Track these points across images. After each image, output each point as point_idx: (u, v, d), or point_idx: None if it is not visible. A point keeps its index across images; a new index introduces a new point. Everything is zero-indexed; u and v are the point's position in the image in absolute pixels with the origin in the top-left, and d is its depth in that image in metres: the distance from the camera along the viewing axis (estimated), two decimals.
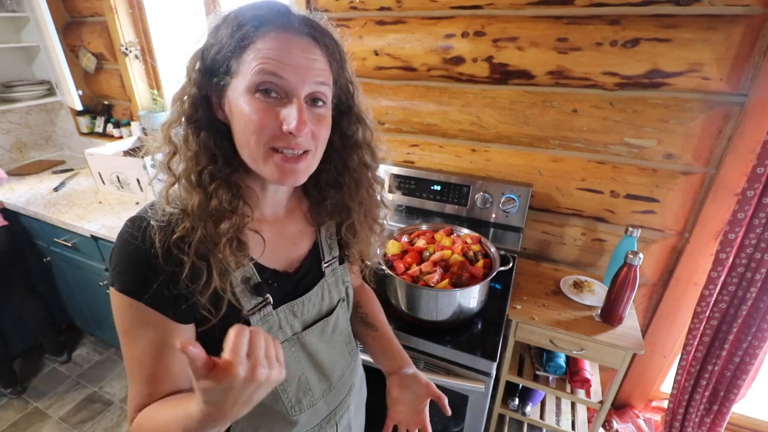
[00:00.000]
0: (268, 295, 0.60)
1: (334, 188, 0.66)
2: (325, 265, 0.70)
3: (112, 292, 0.52)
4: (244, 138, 0.51)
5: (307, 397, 0.67)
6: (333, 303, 0.71)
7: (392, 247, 1.13)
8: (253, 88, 0.48)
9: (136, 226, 0.51)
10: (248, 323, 0.57)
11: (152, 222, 0.51)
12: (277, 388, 0.62)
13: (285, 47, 0.48)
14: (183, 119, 0.51)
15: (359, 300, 0.87)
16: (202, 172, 0.51)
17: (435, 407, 0.74)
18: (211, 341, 0.50)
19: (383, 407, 0.77)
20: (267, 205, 0.62)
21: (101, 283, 1.69)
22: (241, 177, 0.56)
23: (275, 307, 0.61)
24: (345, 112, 0.62)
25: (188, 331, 0.54)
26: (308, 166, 0.55)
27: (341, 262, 0.74)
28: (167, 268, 0.50)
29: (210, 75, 0.51)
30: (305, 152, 0.53)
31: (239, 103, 0.49)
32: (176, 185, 0.52)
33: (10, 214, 1.82)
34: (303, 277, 0.66)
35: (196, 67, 0.51)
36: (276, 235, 0.63)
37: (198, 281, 0.51)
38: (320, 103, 0.53)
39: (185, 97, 0.51)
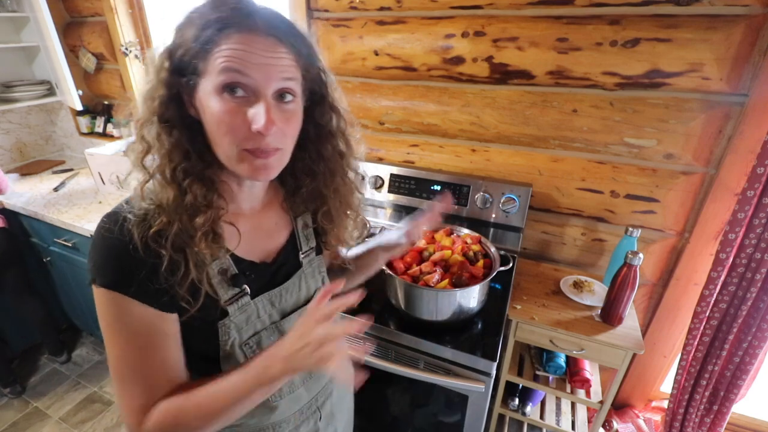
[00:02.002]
0: (245, 285, 0.61)
1: (309, 176, 0.67)
2: (303, 255, 0.72)
3: (96, 289, 0.52)
4: (217, 138, 0.52)
5: (287, 383, 0.68)
6: (310, 292, 0.73)
7: None
8: (220, 87, 0.49)
9: (113, 221, 0.52)
10: (226, 313, 0.59)
11: (129, 216, 0.51)
12: None
13: (249, 47, 0.48)
14: (155, 117, 0.51)
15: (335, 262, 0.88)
16: (176, 168, 0.52)
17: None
18: (190, 331, 0.57)
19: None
20: (243, 199, 0.63)
21: None
22: (216, 172, 0.56)
23: (253, 297, 0.62)
24: (318, 102, 0.62)
25: (174, 320, 0.55)
26: (280, 161, 0.56)
27: (319, 253, 0.76)
28: (147, 260, 0.51)
29: (179, 74, 0.51)
30: (277, 149, 0.54)
31: (209, 103, 0.50)
32: (151, 181, 0.53)
33: (9, 214, 1.82)
34: (280, 267, 0.68)
35: (165, 66, 0.50)
36: (253, 228, 0.65)
37: (177, 273, 0.52)
38: (289, 98, 0.53)
39: (156, 96, 0.51)
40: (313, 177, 0.67)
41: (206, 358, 0.60)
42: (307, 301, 0.72)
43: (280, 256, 0.68)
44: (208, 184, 0.54)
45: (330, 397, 0.79)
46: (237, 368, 0.54)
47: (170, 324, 0.55)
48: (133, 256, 0.50)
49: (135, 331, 0.52)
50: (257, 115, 0.49)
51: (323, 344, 0.48)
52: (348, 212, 0.74)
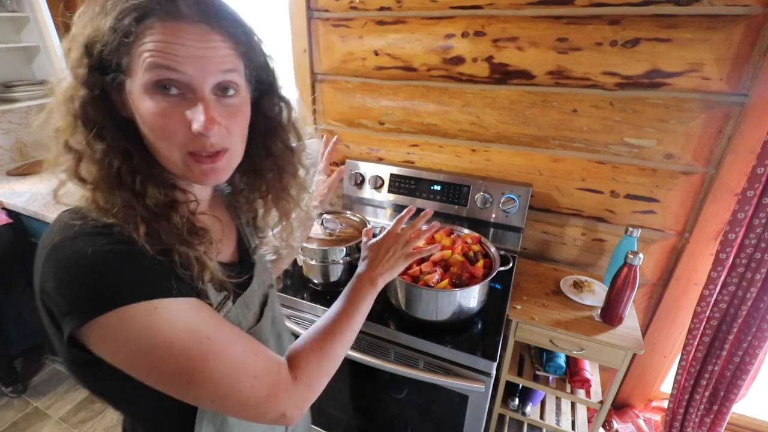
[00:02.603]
0: (230, 290, 0.56)
1: (255, 175, 0.62)
2: (252, 252, 0.68)
3: (141, 310, 0.41)
4: (155, 143, 0.46)
5: None
6: (266, 289, 0.69)
7: None
8: (149, 86, 0.43)
9: (86, 234, 0.43)
10: None
11: (111, 227, 0.44)
12: None
13: (176, 38, 0.42)
14: (78, 122, 0.43)
15: None
16: (119, 171, 0.45)
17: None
18: None
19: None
20: (198, 195, 0.55)
21: None
22: (163, 170, 0.49)
23: (234, 302, 0.58)
24: (266, 92, 0.56)
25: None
26: (229, 163, 0.51)
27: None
28: (157, 261, 0.45)
29: (101, 72, 0.43)
30: (223, 149, 0.48)
31: (140, 105, 0.44)
32: (96, 191, 0.45)
33: (11, 214, 1.82)
34: (243, 267, 0.63)
35: (83, 62, 0.43)
36: (219, 224, 0.60)
37: (192, 268, 0.47)
38: (231, 92, 0.47)
39: (75, 97, 0.43)
40: (259, 175, 0.62)
41: None
42: (265, 300, 0.67)
43: (239, 254, 0.64)
44: (162, 180, 0.48)
45: None
46: (346, 296, 0.65)
47: (207, 305, 0.49)
48: (145, 259, 0.44)
49: (197, 324, 0.45)
50: (195, 114, 0.44)
51: (405, 246, 0.72)
52: (298, 212, 0.68)
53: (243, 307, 0.60)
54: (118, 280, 0.41)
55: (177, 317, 0.43)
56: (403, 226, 0.78)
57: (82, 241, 0.42)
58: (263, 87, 0.55)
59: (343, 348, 0.60)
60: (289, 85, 0.62)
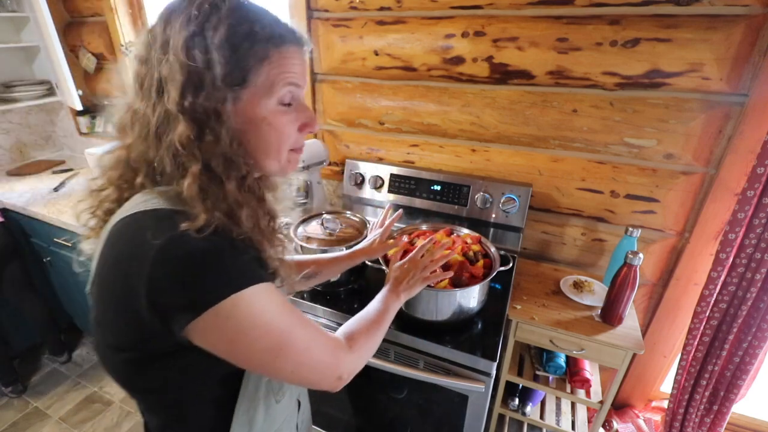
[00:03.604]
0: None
1: None
2: None
3: (243, 296, 0.47)
4: (274, 147, 0.54)
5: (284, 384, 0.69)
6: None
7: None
8: (282, 101, 0.52)
9: (202, 232, 0.47)
10: None
11: (206, 225, 0.47)
12: (268, 378, 0.64)
13: (299, 60, 0.53)
14: (207, 128, 0.48)
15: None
16: (245, 177, 0.53)
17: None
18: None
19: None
20: None
21: None
22: (249, 168, 0.57)
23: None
24: None
25: None
26: None
27: None
28: (247, 250, 0.52)
29: (224, 85, 0.48)
30: None
31: (263, 114, 0.51)
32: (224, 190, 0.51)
33: (9, 214, 1.82)
34: None
35: (209, 80, 0.47)
36: None
37: (265, 253, 0.56)
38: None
39: (203, 108, 0.47)
40: None
41: (228, 375, 0.57)
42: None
43: None
44: (242, 173, 0.54)
45: (302, 389, 0.82)
46: (382, 302, 0.77)
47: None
48: (246, 251, 0.52)
49: (281, 304, 0.53)
50: (311, 117, 0.56)
51: (423, 271, 0.84)
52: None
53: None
54: (227, 273, 0.47)
55: (270, 299, 0.51)
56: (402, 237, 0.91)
57: (191, 240, 0.45)
58: None
59: (379, 338, 0.72)
60: None
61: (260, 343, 0.49)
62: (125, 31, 1.95)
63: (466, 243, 1.14)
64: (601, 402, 1.24)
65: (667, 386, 1.50)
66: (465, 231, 1.21)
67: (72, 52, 2.18)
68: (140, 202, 0.50)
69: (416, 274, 0.84)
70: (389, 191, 1.52)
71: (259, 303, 0.49)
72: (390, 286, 0.83)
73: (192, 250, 0.45)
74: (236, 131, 0.51)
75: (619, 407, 1.57)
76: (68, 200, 1.82)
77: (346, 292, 1.22)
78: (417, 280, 0.84)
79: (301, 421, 0.81)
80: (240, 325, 0.47)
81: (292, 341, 0.52)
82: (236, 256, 0.49)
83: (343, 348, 0.61)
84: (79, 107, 2.03)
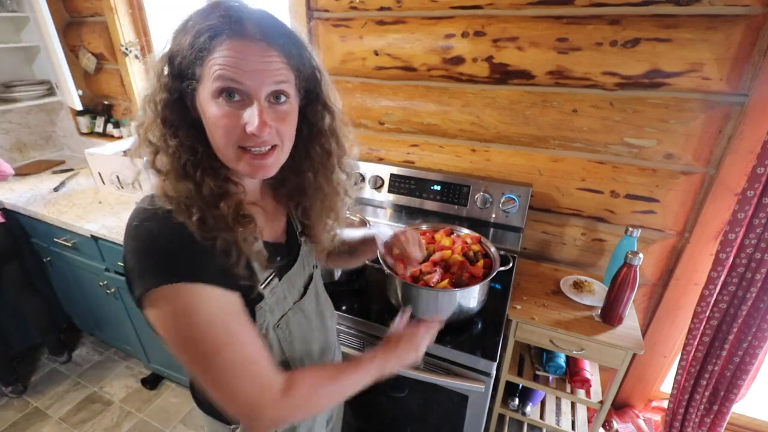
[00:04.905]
0: (274, 268, 0.64)
1: (294, 173, 0.68)
2: (299, 234, 0.76)
3: (162, 291, 0.49)
4: (215, 140, 0.54)
5: (309, 358, 0.73)
6: (311, 269, 0.78)
7: None
8: (216, 93, 0.51)
9: (155, 219, 0.52)
10: (261, 297, 0.61)
11: (166, 212, 0.52)
12: (288, 357, 0.68)
13: (240, 54, 0.50)
14: (158, 120, 0.53)
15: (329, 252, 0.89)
16: (185, 164, 0.53)
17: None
18: None
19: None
20: (249, 186, 0.64)
21: (101, 283, 1.68)
22: (222, 165, 0.57)
23: (279, 278, 0.66)
24: (313, 100, 0.63)
25: (240, 299, 0.56)
26: (277, 160, 0.58)
27: None
28: (204, 247, 0.52)
29: (179, 79, 0.53)
30: (273, 147, 0.56)
31: (207, 107, 0.52)
32: (167, 181, 0.54)
33: (10, 214, 1.82)
34: (291, 247, 0.72)
35: (165, 72, 0.52)
36: (263, 211, 0.67)
37: (230, 255, 0.53)
38: (283, 99, 0.55)
39: (157, 100, 0.52)
40: (298, 173, 0.68)
41: None
42: (310, 279, 0.76)
43: (287, 236, 0.72)
44: (219, 174, 0.56)
45: None
46: (359, 359, 0.66)
47: (240, 303, 0.56)
48: (193, 245, 0.51)
49: (223, 316, 0.52)
50: (251, 117, 0.51)
51: (420, 346, 0.74)
52: (329, 214, 0.73)
53: (288, 284, 0.68)
54: (177, 261, 0.50)
55: (214, 304, 0.51)
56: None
57: (152, 223, 0.51)
58: (310, 96, 0.62)
59: (333, 399, 0.64)
60: (336, 96, 0.68)
61: (187, 343, 0.51)
62: (125, 31, 1.95)
63: (466, 243, 1.14)
64: (601, 402, 1.24)
65: (667, 386, 1.50)
66: (465, 231, 1.21)
67: (72, 52, 2.18)
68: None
69: (410, 353, 0.73)
70: (389, 191, 1.52)
71: (201, 301, 0.50)
72: (379, 358, 0.69)
73: (150, 231, 0.51)
74: (196, 124, 0.55)
75: (619, 407, 1.57)
76: (68, 200, 1.82)
77: (347, 292, 1.22)
78: (408, 360, 0.73)
79: (331, 408, 0.86)
80: (177, 314, 0.50)
81: (216, 357, 0.51)
82: (194, 251, 0.51)
83: (272, 391, 0.55)
84: (79, 107, 2.03)
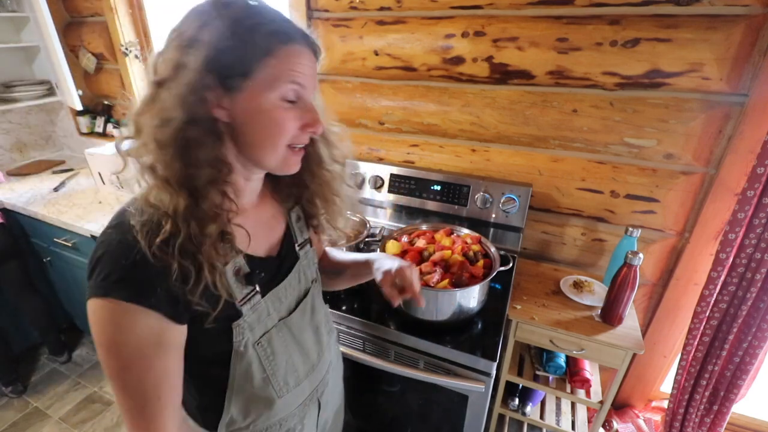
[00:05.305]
0: (257, 284, 0.62)
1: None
2: (298, 247, 0.73)
3: (102, 302, 0.48)
4: (269, 139, 0.54)
5: (293, 377, 0.70)
6: (308, 284, 0.75)
7: (392, 247, 1.13)
8: (284, 96, 0.52)
9: (121, 230, 0.50)
10: (240, 314, 0.59)
11: (137, 225, 0.49)
12: (268, 374, 0.65)
13: (307, 61, 0.54)
14: (176, 117, 0.47)
15: (324, 262, 0.90)
16: (189, 175, 0.49)
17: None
18: (202, 335, 0.56)
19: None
20: (247, 194, 0.63)
21: None
22: (227, 174, 0.54)
23: (263, 294, 0.63)
24: None
25: (184, 332, 0.54)
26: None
27: (311, 245, 0.78)
28: (159, 269, 0.48)
29: (220, 75, 0.49)
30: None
31: (263, 107, 0.52)
32: (158, 188, 0.50)
33: (9, 214, 1.82)
34: (284, 260, 0.69)
35: (200, 66, 0.47)
36: (256, 222, 0.65)
37: (188, 281, 0.50)
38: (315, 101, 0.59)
39: (182, 95, 0.47)
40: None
41: (213, 362, 0.61)
42: (306, 294, 0.73)
43: (282, 248, 0.69)
44: (222, 188, 0.53)
45: (327, 386, 0.82)
46: None
47: (181, 336, 0.54)
48: (149, 266, 0.48)
49: (149, 345, 0.50)
50: (317, 122, 0.56)
51: None
52: (333, 198, 0.74)
53: (275, 300, 0.66)
54: (123, 278, 0.48)
55: (139, 327, 0.49)
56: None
57: (114, 231, 0.51)
58: None
59: None
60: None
61: (108, 356, 0.50)
62: (125, 31, 1.95)
63: (466, 243, 1.14)
64: (601, 402, 1.24)
65: (667, 386, 1.50)
66: (465, 231, 1.21)
67: (72, 52, 2.18)
68: None
69: None
70: (389, 191, 1.52)
71: (127, 326, 0.49)
72: None
73: (107, 241, 0.50)
74: (210, 122, 0.51)
75: (619, 407, 1.57)
76: (68, 200, 1.82)
77: (347, 292, 1.22)
78: None
79: (324, 422, 0.84)
80: (102, 329, 0.49)
81: (126, 379, 0.50)
82: (146, 271, 0.48)
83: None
84: (79, 107, 2.03)
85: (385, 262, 0.82)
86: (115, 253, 0.49)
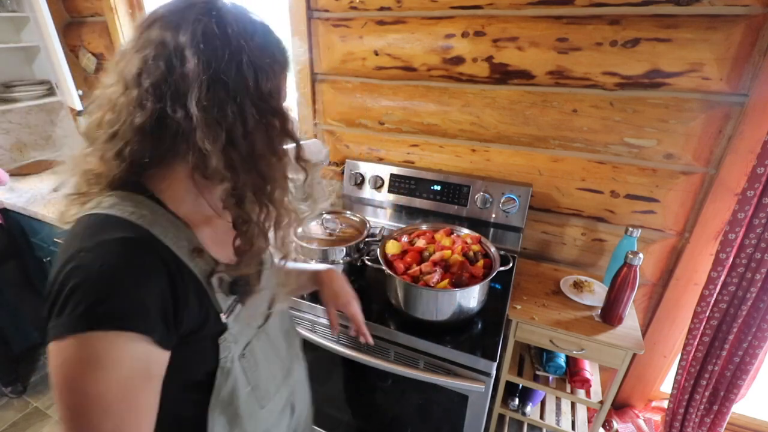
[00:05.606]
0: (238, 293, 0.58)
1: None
2: None
3: (88, 341, 0.40)
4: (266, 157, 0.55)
5: (273, 384, 0.69)
6: (274, 289, 0.71)
7: (392, 247, 1.13)
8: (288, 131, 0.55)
9: (105, 251, 0.44)
10: (225, 328, 0.56)
11: (125, 238, 0.45)
12: (252, 386, 0.63)
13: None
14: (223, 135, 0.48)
15: None
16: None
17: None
18: (188, 355, 0.52)
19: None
20: (213, 200, 0.57)
21: None
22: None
23: (243, 303, 0.60)
24: None
25: (167, 359, 0.48)
26: None
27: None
28: (150, 288, 0.44)
29: (261, 99, 0.51)
30: None
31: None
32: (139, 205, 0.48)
33: (9, 214, 1.82)
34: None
35: (252, 87, 0.49)
36: (224, 229, 0.59)
37: (179, 298, 0.47)
38: None
39: (229, 123, 0.48)
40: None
41: (194, 388, 0.57)
42: (273, 300, 0.70)
43: None
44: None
45: (297, 390, 0.80)
46: None
47: (164, 365, 0.48)
48: (139, 286, 0.44)
49: (136, 377, 0.44)
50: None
51: None
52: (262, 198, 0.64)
53: (252, 308, 0.62)
54: (123, 301, 0.43)
55: (127, 358, 0.43)
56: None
57: (93, 255, 0.43)
58: None
59: None
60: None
61: (72, 410, 0.43)
62: (125, 31, 1.95)
63: (466, 243, 1.14)
64: (601, 402, 1.24)
65: (667, 386, 1.50)
66: (465, 231, 1.21)
67: (72, 52, 2.18)
68: None
69: None
70: (389, 191, 1.52)
71: (105, 360, 0.41)
72: None
73: (103, 259, 0.43)
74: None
75: (619, 407, 1.57)
76: None
77: None
78: None
79: (296, 424, 0.80)
80: (68, 374, 0.41)
81: (90, 420, 0.42)
82: (147, 287, 0.44)
83: None
84: (79, 107, 2.03)
85: (335, 285, 0.88)
86: (98, 279, 0.42)
